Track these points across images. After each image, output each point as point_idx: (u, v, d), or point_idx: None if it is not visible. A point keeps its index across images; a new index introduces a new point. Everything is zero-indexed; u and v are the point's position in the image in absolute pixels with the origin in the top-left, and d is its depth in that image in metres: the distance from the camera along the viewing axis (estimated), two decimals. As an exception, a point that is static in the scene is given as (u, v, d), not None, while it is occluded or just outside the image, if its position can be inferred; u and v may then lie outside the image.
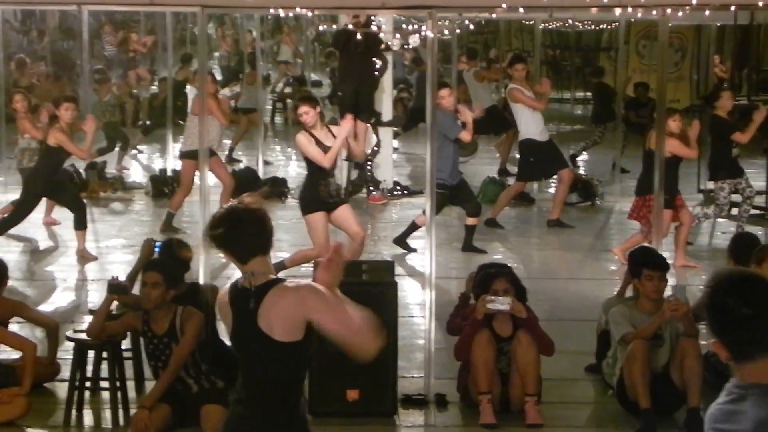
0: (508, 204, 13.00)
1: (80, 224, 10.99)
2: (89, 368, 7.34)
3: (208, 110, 11.58)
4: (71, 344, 7.30)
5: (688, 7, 7.70)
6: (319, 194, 9.55)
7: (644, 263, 7.38)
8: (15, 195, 11.77)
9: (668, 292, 7.54)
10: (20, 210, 11.02)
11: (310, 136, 9.47)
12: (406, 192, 14.48)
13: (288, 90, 22.69)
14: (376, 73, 14.32)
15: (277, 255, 9.52)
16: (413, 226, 11.29)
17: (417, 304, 9.42)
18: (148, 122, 19.29)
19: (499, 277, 7.20)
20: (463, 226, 11.49)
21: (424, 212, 10.21)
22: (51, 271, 10.91)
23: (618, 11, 8.04)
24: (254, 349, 4.23)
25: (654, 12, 8.01)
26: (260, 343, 4.18)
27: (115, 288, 7.09)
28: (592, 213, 13.77)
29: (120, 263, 10.59)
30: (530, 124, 12.57)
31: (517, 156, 13.70)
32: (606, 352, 7.62)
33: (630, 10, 7.89)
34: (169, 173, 14.94)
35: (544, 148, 12.68)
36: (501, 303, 7.01)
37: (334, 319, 4.17)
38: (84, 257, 10.98)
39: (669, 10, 7.82)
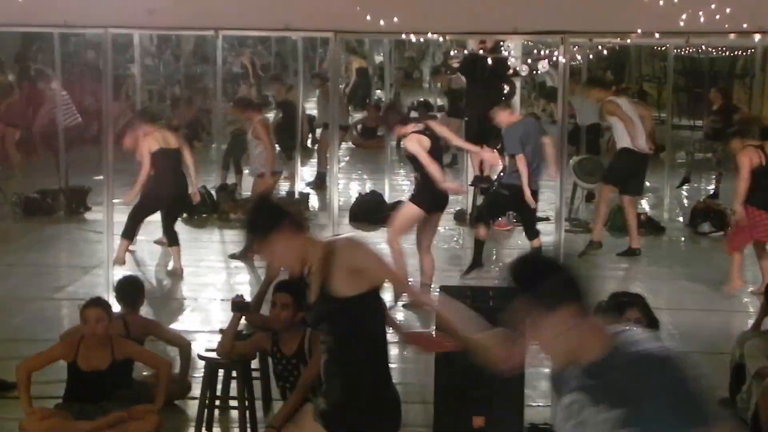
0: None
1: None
2: (219, 387, 7.46)
3: (255, 135, 11.95)
4: (202, 363, 7.43)
5: (830, 33, 7.48)
6: (435, 193, 9.61)
7: (782, 296, 7.17)
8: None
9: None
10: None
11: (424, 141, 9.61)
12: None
13: (414, 114, 22.79)
14: (504, 98, 14.26)
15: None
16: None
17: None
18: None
19: (631, 307, 7.06)
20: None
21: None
22: (180, 290, 11.13)
23: (757, 37, 7.84)
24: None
25: (794, 38, 7.81)
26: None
27: (238, 306, 7.19)
28: (724, 243, 13.41)
29: (248, 284, 10.75)
30: (623, 136, 12.26)
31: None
32: (740, 386, 7.41)
33: (769, 36, 7.69)
34: (296, 196, 15.14)
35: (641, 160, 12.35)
36: None
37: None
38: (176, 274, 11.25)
39: (810, 36, 7.62)
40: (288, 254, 4.74)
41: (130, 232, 11.33)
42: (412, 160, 9.79)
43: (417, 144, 9.65)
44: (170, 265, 11.60)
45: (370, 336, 4.72)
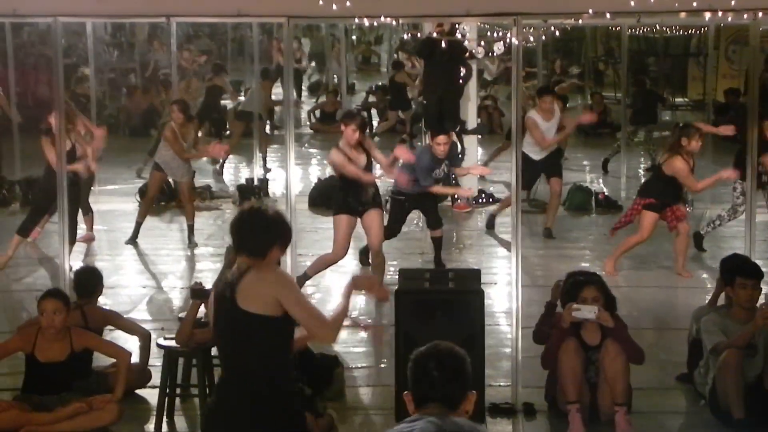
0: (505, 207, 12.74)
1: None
2: (179, 375, 7.44)
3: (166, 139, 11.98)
4: (161, 351, 7.41)
5: (780, 10, 7.54)
6: (347, 200, 9.71)
7: (737, 271, 7.25)
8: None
9: (762, 300, 7.39)
10: None
11: (343, 154, 9.59)
12: (491, 200, 14.41)
13: (372, 99, 22.81)
14: (461, 81, 14.30)
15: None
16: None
17: (503, 312, 9.37)
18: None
19: (588, 285, 7.12)
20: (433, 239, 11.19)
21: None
22: (138, 279, 11.08)
23: (708, 16, 7.89)
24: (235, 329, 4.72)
25: (745, 16, 7.86)
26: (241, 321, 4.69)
27: (198, 293, 7.17)
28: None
29: (208, 271, 10.73)
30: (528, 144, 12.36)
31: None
32: (698, 362, 7.50)
33: (720, 14, 7.73)
34: (255, 182, 15.12)
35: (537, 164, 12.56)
36: (587, 311, 6.94)
37: (298, 303, 4.69)
38: None
39: (760, 14, 7.67)
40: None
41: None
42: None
43: (335, 156, 9.68)
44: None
45: None
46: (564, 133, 13.03)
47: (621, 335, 7.05)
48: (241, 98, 19.54)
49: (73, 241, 10.59)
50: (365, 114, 21.17)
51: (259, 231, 4.75)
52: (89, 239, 12.32)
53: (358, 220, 9.85)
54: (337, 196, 9.93)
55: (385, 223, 10.36)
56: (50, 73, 11.16)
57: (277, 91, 18.92)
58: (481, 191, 14.61)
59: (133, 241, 12.29)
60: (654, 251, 11.47)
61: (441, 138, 10.79)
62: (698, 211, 13.58)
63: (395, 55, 29.11)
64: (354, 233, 9.95)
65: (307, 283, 9.89)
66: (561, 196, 13.06)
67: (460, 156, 14.21)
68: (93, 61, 15.62)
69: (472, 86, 14.97)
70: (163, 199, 13.96)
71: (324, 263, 9.96)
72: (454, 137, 14.21)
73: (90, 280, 7.93)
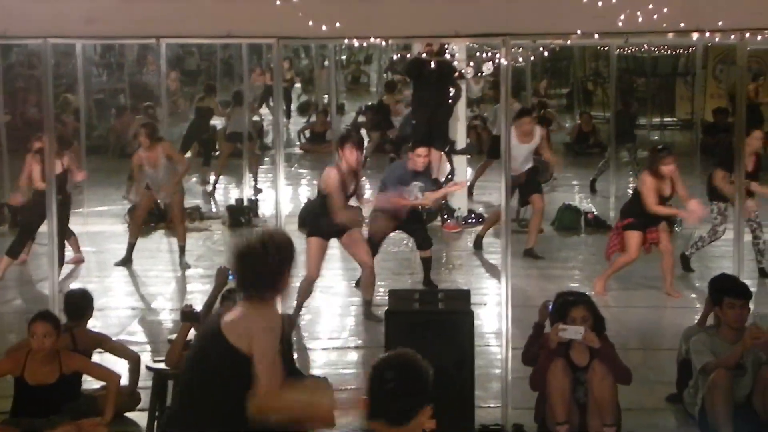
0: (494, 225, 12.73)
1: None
2: (168, 398, 7.41)
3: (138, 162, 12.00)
4: (151, 374, 7.39)
5: (767, 31, 7.59)
6: (319, 221, 9.71)
7: (726, 291, 7.26)
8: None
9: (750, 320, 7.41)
10: None
11: (339, 179, 9.56)
12: (480, 220, 14.43)
13: (362, 119, 22.85)
14: (450, 101, 14.35)
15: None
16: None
17: (493, 333, 9.37)
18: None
19: (577, 305, 7.13)
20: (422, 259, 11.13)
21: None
22: (127, 301, 11.05)
23: (695, 36, 7.93)
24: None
25: (732, 36, 7.90)
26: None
27: (187, 316, 7.17)
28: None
29: (198, 293, 10.71)
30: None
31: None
32: (687, 382, 7.50)
33: (707, 34, 7.78)
34: (245, 203, 15.11)
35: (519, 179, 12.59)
36: (573, 332, 6.94)
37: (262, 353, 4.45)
38: None
39: (747, 34, 7.72)
40: None
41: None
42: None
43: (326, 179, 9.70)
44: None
45: None
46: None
47: (608, 356, 7.05)
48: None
49: (61, 263, 10.58)
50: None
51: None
52: (78, 261, 12.30)
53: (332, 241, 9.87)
54: (313, 218, 9.99)
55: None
56: (39, 94, 11.21)
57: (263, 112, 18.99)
58: (470, 211, 14.64)
59: (125, 262, 12.26)
60: (642, 271, 11.48)
61: (420, 150, 10.79)
62: (687, 231, 13.62)
63: (384, 75, 29.21)
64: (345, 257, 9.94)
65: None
66: (542, 213, 12.86)
67: (450, 176, 14.28)
68: (82, 83, 15.60)
69: (461, 106, 15.01)
70: (153, 220, 13.95)
71: (303, 290, 9.83)
72: (444, 157, 14.32)
73: (81, 303, 7.90)
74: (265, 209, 15.05)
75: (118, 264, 12.26)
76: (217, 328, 4.61)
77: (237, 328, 4.56)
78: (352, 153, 9.61)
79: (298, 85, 30.06)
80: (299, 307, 9.83)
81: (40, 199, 9.61)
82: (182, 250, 12.28)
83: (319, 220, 9.78)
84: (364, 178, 9.89)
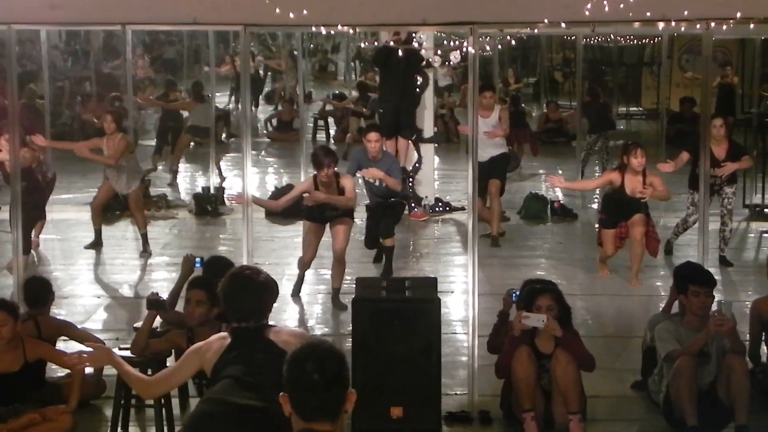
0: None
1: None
2: (134, 386, 7.38)
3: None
4: (116, 361, 7.34)
5: (732, 21, 7.63)
6: (312, 209, 10.09)
7: (690, 279, 7.31)
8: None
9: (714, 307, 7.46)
10: None
11: (314, 182, 9.90)
12: (447, 209, 14.46)
13: (329, 107, 22.80)
14: (417, 89, 14.34)
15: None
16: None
17: (460, 321, 9.40)
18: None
19: (543, 294, 7.16)
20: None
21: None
22: (92, 288, 10.99)
23: (661, 25, 7.96)
24: None
25: (698, 26, 7.94)
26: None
27: (153, 304, 7.14)
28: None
29: (164, 281, 10.66)
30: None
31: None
32: (652, 369, 7.56)
33: (673, 24, 7.81)
34: (212, 191, 15.05)
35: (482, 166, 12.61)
36: (536, 320, 6.98)
37: None
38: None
39: (713, 24, 7.75)
40: None
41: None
42: None
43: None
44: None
45: None
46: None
47: (572, 344, 7.08)
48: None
49: (27, 251, 10.49)
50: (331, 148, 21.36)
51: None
52: (34, 246, 12.19)
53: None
54: (306, 206, 10.26)
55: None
56: (3, 81, 11.11)
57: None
58: (437, 200, 14.65)
59: (95, 245, 12.35)
60: (611, 260, 11.54)
61: (372, 135, 10.82)
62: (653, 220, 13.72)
63: (352, 64, 29.10)
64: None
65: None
66: (499, 200, 12.77)
67: (417, 165, 14.28)
68: (47, 69, 15.46)
69: (429, 95, 15.01)
70: (117, 208, 13.85)
71: (301, 266, 10.43)
72: (412, 145, 14.32)
73: (39, 291, 7.82)
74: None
75: (88, 247, 12.27)
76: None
77: None
78: (326, 172, 9.73)
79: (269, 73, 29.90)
80: (336, 291, 10.17)
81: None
82: (144, 237, 12.26)
83: (310, 207, 10.13)
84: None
